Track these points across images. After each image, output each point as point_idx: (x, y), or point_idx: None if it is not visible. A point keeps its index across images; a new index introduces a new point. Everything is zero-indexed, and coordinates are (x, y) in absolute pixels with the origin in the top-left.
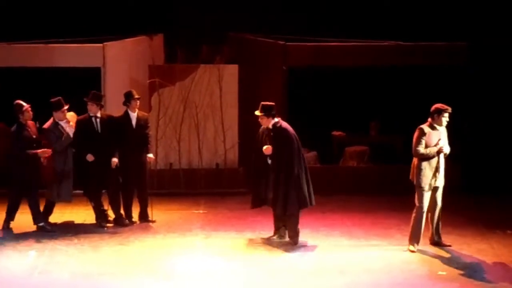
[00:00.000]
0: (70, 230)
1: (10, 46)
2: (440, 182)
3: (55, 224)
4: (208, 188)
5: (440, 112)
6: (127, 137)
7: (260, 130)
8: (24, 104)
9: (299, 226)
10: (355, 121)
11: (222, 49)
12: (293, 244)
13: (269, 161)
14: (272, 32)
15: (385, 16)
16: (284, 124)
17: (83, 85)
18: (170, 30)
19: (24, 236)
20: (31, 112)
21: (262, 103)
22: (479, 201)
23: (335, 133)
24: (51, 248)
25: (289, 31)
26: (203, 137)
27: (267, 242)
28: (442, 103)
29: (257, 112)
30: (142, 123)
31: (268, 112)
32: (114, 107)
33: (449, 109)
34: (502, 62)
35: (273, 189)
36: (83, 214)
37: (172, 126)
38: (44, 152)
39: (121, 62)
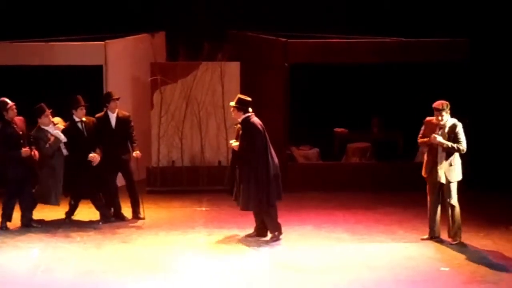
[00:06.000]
0: (72, 228)
1: (12, 44)
2: (442, 178)
3: (42, 221)
4: (211, 186)
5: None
6: (106, 137)
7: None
8: (8, 101)
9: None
10: (357, 117)
11: (223, 47)
12: (276, 239)
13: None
14: (273, 29)
15: (386, 12)
16: (254, 120)
17: (85, 83)
18: (172, 28)
19: (26, 235)
20: (15, 110)
21: (239, 95)
22: (482, 197)
23: (337, 130)
24: (54, 246)
25: (291, 28)
26: (205, 134)
27: (247, 238)
28: (444, 99)
29: (231, 103)
30: (123, 124)
31: (241, 106)
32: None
33: (436, 107)
34: (504, 58)
35: (237, 184)
36: (86, 213)
37: (174, 123)
38: (25, 152)
39: (123, 60)
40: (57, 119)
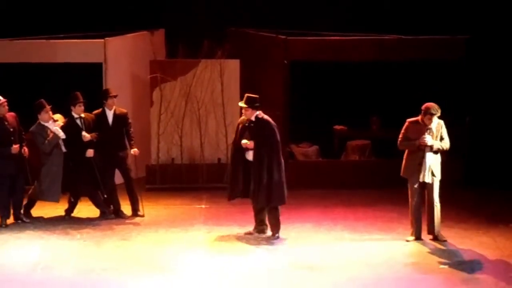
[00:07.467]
0: (72, 225)
1: (11, 42)
2: (428, 178)
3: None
4: (210, 183)
5: (424, 112)
6: (103, 134)
7: (238, 122)
8: (0, 98)
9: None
10: (357, 115)
11: (223, 44)
12: (275, 237)
13: (247, 155)
14: (273, 26)
15: (386, 10)
16: (266, 117)
17: (85, 81)
18: (171, 25)
19: (26, 232)
20: (6, 107)
21: (247, 94)
22: (481, 194)
23: (337, 127)
24: (53, 244)
25: (290, 26)
26: (205, 132)
27: (246, 236)
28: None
29: (241, 104)
30: (120, 120)
31: (253, 104)
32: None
33: (431, 111)
34: (502, 56)
35: (255, 182)
36: (86, 210)
37: (174, 121)
38: (15, 149)
39: (122, 57)
40: (57, 116)
